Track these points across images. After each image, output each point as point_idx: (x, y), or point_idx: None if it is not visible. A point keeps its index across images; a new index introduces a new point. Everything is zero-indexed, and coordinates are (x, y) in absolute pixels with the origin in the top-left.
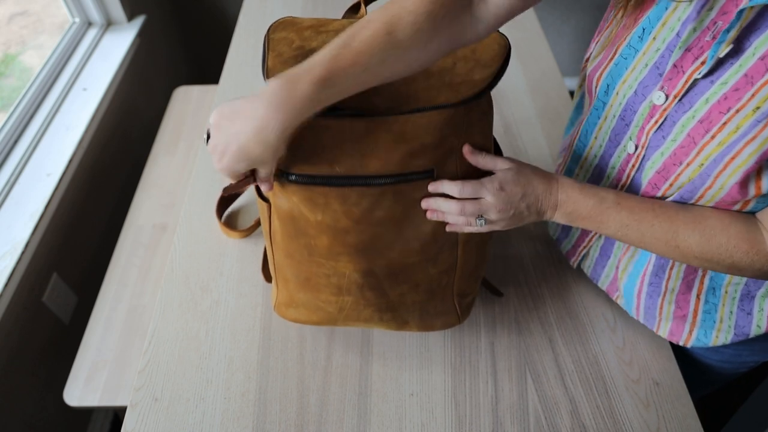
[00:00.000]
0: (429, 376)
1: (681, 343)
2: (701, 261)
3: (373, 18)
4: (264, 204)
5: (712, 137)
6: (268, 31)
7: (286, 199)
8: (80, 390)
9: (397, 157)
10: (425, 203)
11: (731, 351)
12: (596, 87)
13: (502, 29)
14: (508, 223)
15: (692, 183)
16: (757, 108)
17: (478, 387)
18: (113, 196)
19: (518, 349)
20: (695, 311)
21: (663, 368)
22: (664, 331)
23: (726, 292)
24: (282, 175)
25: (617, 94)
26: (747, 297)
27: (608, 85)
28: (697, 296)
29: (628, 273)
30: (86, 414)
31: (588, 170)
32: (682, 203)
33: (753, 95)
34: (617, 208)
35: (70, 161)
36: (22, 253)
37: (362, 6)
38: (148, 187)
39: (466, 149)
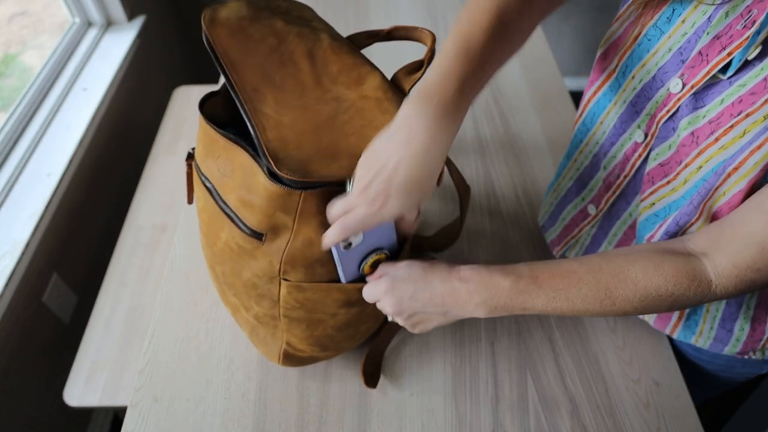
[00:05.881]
0: (429, 376)
1: (667, 332)
2: (642, 309)
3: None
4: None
5: (716, 140)
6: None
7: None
8: (80, 390)
9: (235, 195)
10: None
11: (723, 362)
12: (616, 66)
13: None
14: (418, 328)
15: (691, 197)
16: (767, 117)
17: (478, 387)
18: (113, 196)
19: (518, 349)
20: (678, 318)
21: (663, 368)
22: (650, 319)
23: (707, 311)
24: None
25: (633, 77)
26: (729, 318)
27: (627, 67)
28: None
29: None
30: (86, 414)
31: (587, 156)
32: (605, 254)
33: (766, 101)
34: (536, 283)
35: (70, 161)
36: (22, 253)
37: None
38: (148, 187)
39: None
